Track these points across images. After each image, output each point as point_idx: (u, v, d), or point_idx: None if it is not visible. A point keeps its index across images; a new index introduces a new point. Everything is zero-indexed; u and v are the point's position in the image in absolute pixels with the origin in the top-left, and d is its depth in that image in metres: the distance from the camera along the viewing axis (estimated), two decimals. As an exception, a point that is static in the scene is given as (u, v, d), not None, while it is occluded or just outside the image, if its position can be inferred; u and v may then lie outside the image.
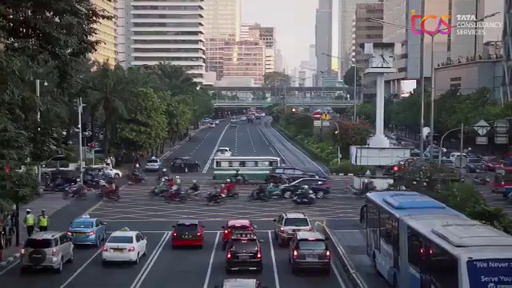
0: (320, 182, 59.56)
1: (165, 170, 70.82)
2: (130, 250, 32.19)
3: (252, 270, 30.30)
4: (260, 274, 29.73)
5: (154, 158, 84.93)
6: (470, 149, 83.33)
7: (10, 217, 36.48)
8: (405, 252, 25.72)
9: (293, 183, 58.13)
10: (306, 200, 51.86)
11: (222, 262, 32.02)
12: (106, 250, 32.28)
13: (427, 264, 23.03)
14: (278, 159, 75.32)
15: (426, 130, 59.33)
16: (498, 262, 19.20)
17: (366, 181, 58.54)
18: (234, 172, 65.24)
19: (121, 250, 32.13)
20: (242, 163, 69.40)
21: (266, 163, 69.62)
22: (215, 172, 67.87)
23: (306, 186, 54.22)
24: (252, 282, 23.93)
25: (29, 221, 38.40)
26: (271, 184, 58.38)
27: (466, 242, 20.32)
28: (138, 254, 32.91)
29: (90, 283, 29.84)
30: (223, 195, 53.81)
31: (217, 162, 70.02)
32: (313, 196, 52.82)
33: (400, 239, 26.36)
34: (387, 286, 28.11)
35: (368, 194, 36.20)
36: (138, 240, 33.23)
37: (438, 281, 21.72)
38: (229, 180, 59.97)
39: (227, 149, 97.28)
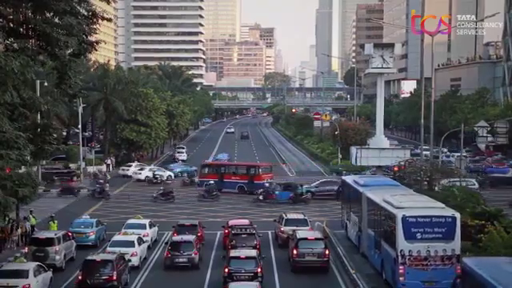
0: None
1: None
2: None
3: None
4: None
5: (180, 144, 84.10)
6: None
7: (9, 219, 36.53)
8: (365, 217, 33.31)
9: None
10: None
11: (222, 261, 31.96)
12: None
13: (378, 224, 30.43)
14: None
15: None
16: (423, 218, 26.58)
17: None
18: None
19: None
20: None
21: None
22: None
23: None
24: (254, 251, 30.01)
25: (32, 221, 38.66)
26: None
27: (403, 205, 27.89)
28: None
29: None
30: None
31: None
32: None
33: (362, 208, 33.83)
34: (357, 251, 32.26)
35: (343, 177, 45.11)
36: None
37: (385, 235, 28.91)
38: None
39: (232, 127, 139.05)
